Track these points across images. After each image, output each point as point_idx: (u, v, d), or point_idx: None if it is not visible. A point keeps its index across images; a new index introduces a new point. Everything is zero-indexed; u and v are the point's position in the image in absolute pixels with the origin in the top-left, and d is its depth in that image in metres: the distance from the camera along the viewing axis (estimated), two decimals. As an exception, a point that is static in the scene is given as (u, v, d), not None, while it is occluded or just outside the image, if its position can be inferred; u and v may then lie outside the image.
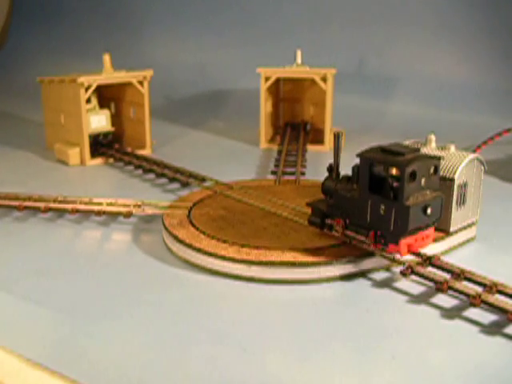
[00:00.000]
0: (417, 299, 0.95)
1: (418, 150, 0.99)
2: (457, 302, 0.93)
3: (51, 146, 1.90)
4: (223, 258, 1.03)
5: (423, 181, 0.97)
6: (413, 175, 0.94)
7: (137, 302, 0.95)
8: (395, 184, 0.95)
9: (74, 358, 0.81)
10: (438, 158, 0.99)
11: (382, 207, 0.97)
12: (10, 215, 1.33)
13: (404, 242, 0.98)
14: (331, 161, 1.09)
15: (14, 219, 1.31)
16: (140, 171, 1.67)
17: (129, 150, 1.83)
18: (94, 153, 1.80)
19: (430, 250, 1.07)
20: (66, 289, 1.00)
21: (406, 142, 1.20)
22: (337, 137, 1.07)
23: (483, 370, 0.77)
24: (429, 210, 0.96)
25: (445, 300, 0.93)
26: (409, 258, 1.03)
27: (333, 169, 1.09)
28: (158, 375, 0.77)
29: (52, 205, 1.31)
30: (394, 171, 0.96)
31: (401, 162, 0.94)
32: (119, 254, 1.14)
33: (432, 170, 0.98)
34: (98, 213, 1.28)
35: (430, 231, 1.02)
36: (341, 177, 1.08)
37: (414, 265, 0.99)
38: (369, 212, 0.99)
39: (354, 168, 1.03)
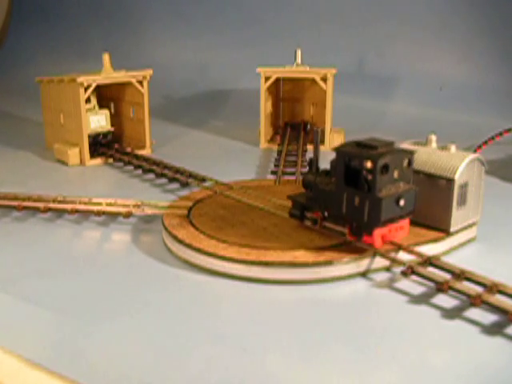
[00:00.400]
0: (417, 299, 0.94)
1: (391, 143, 1.03)
2: (457, 303, 0.92)
3: (51, 146, 1.90)
4: (223, 258, 1.02)
5: (396, 173, 1.00)
6: (385, 168, 0.98)
7: (137, 302, 0.95)
8: (369, 177, 0.98)
9: (73, 358, 0.80)
10: (411, 152, 1.02)
11: (357, 199, 1.00)
12: (10, 215, 1.33)
13: (378, 232, 1.01)
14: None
15: (14, 219, 1.31)
16: (140, 171, 1.67)
17: (128, 149, 1.83)
18: (94, 153, 1.79)
19: (431, 250, 1.07)
20: (66, 289, 1.00)
21: (407, 142, 1.20)
22: (316, 133, 1.11)
23: (483, 370, 0.77)
24: (401, 202, 0.99)
25: (445, 300, 0.93)
26: (409, 258, 1.03)
27: (313, 163, 1.12)
28: (158, 375, 0.76)
29: (51, 205, 1.31)
30: (368, 164, 0.99)
31: (373, 156, 0.97)
32: (119, 254, 1.14)
33: (405, 164, 1.02)
34: (98, 213, 1.28)
35: (405, 223, 1.04)
36: (320, 171, 1.11)
37: (415, 265, 0.98)
38: (344, 204, 1.03)
39: (332, 162, 1.06)
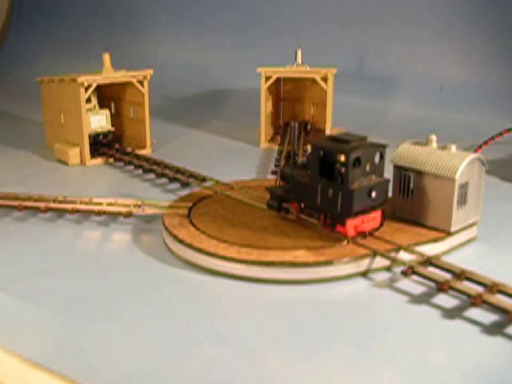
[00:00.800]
0: (417, 299, 0.94)
1: (364, 138, 1.08)
2: (458, 302, 0.92)
3: (51, 146, 1.90)
4: (223, 258, 1.02)
5: (368, 166, 1.06)
6: (357, 161, 1.03)
7: (137, 302, 0.95)
8: (342, 170, 1.04)
9: (73, 357, 0.80)
10: (383, 146, 1.07)
11: (330, 191, 1.05)
12: (10, 215, 1.33)
13: (351, 222, 1.05)
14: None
15: (14, 219, 1.31)
16: (140, 171, 1.67)
17: (129, 149, 1.83)
18: (94, 153, 1.79)
19: (431, 250, 1.07)
20: (66, 289, 1.00)
21: (407, 142, 1.20)
22: (289, 126, 1.13)
23: (484, 369, 0.77)
24: (373, 194, 1.04)
25: (446, 300, 0.93)
26: (409, 257, 1.03)
27: (290, 156, 1.18)
28: (158, 375, 0.76)
29: (52, 205, 1.31)
30: (341, 158, 1.04)
31: (346, 149, 1.02)
32: (119, 254, 1.14)
33: (378, 157, 1.07)
34: (98, 213, 1.28)
35: (377, 214, 1.09)
36: (298, 164, 1.16)
37: (415, 265, 0.98)
38: (319, 195, 1.08)
39: (308, 156, 1.11)
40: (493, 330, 0.85)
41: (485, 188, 1.17)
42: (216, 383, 0.75)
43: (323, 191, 1.07)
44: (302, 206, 1.13)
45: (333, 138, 1.08)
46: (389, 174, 1.19)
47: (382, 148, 1.07)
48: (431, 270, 0.98)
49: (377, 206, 1.08)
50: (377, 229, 1.10)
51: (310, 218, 1.12)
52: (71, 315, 0.91)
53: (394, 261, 1.02)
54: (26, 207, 1.31)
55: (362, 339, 0.84)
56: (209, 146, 2.02)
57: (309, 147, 1.87)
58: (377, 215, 1.09)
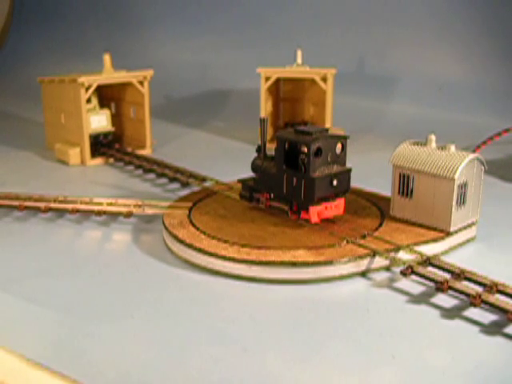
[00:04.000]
0: (417, 299, 0.95)
1: (326, 130, 1.15)
2: (457, 302, 0.93)
3: (51, 146, 1.90)
4: (224, 258, 1.03)
5: (329, 157, 1.12)
6: (319, 151, 1.10)
7: (137, 301, 0.95)
8: (306, 160, 1.10)
9: (74, 357, 0.81)
10: (344, 137, 1.14)
11: (295, 180, 1.12)
12: (11, 215, 1.33)
13: (313, 209, 1.12)
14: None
15: (15, 219, 1.31)
16: (140, 171, 1.67)
17: (129, 149, 1.83)
18: (95, 153, 1.80)
19: (431, 249, 1.07)
20: (66, 289, 1.00)
21: (407, 142, 1.20)
22: (262, 121, 1.21)
23: (483, 369, 0.77)
24: (335, 182, 1.11)
25: (445, 300, 0.93)
26: (409, 257, 1.03)
27: (261, 149, 1.22)
28: (158, 375, 0.77)
29: (52, 205, 1.31)
30: (303, 149, 1.10)
31: (308, 140, 1.09)
32: (119, 253, 1.15)
33: (339, 148, 1.13)
34: (99, 213, 1.28)
35: (340, 202, 1.16)
36: (268, 156, 1.21)
37: (415, 265, 0.99)
38: (285, 185, 1.14)
39: (275, 148, 1.16)
40: (492, 329, 0.86)
41: (484, 188, 1.18)
42: (216, 383, 0.75)
43: (288, 181, 1.13)
44: (272, 195, 1.20)
45: (297, 131, 1.14)
46: (389, 173, 1.20)
47: (343, 139, 1.14)
48: (430, 270, 0.98)
49: (340, 194, 1.15)
50: (341, 216, 1.16)
51: (278, 206, 1.18)
52: (71, 315, 0.91)
53: (394, 261, 1.03)
54: (26, 207, 1.32)
55: (361, 339, 0.84)
56: (209, 146, 2.02)
57: None
58: (340, 203, 1.16)
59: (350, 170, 1.14)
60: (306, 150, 1.10)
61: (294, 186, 1.12)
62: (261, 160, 1.22)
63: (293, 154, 1.12)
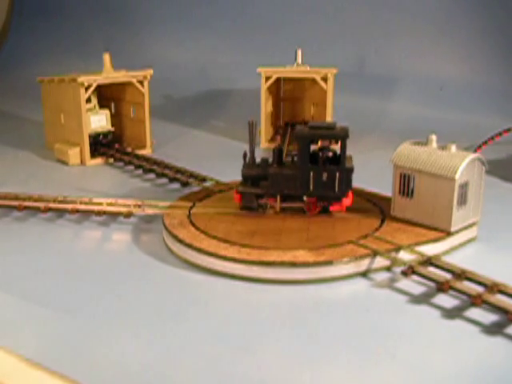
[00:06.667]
0: (417, 299, 0.94)
1: (335, 124, 1.19)
2: (458, 302, 0.92)
3: (51, 146, 1.90)
4: (224, 258, 1.03)
5: None
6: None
7: (137, 302, 0.95)
8: (330, 154, 1.16)
9: (74, 357, 0.80)
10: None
11: (325, 174, 1.15)
12: (10, 215, 1.33)
13: (346, 199, 1.18)
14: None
15: (14, 219, 1.31)
16: (140, 171, 1.67)
17: (129, 149, 1.83)
18: (94, 153, 1.79)
19: (431, 250, 1.07)
20: (67, 289, 1.00)
21: (407, 142, 1.20)
22: (251, 125, 1.22)
23: (483, 369, 0.77)
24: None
25: (446, 300, 0.93)
26: (410, 257, 1.03)
27: (247, 156, 1.23)
28: (158, 375, 0.76)
29: (52, 205, 1.31)
30: (334, 142, 1.17)
31: (340, 134, 1.15)
32: (119, 254, 1.14)
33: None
34: (98, 213, 1.28)
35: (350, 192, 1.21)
36: (257, 163, 1.23)
37: (415, 265, 0.99)
38: (312, 182, 1.16)
39: (273, 150, 1.20)
40: (493, 329, 0.85)
41: (485, 188, 1.17)
42: (215, 383, 0.75)
43: (317, 177, 1.15)
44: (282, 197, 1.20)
45: (312, 127, 1.17)
46: (389, 173, 1.19)
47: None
48: (431, 270, 0.98)
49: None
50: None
51: (292, 205, 1.19)
52: (71, 315, 0.91)
53: (394, 261, 1.02)
54: (25, 207, 1.31)
55: (361, 339, 0.84)
56: (209, 146, 2.02)
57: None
58: (350, 193, 1.20)
59: (351, 157, 1.20)
60: (339, 143, 1.14)
61: (324, 181, 1.15)
62: (251, 168, 1.21)
63: (313, 152, 1.16)
